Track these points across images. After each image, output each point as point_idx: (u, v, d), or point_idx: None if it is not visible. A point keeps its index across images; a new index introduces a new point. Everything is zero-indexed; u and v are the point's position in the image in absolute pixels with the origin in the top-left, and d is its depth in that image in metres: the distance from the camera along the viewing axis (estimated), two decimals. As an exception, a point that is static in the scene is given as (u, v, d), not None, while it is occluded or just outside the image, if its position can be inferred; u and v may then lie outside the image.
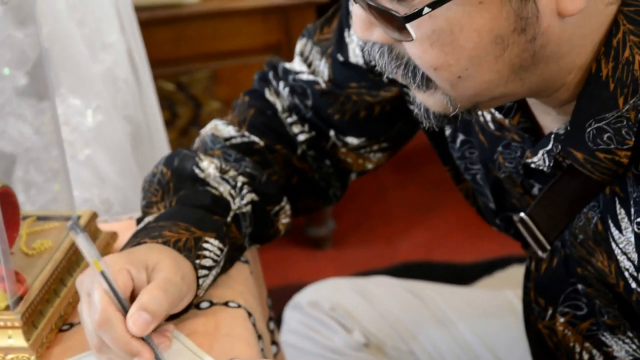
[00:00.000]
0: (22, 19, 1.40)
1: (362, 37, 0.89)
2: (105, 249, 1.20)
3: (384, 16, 0.84)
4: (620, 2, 0.87)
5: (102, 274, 0.97)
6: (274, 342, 1.22)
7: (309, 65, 1.19)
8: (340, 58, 1.16)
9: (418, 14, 0.82)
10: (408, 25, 0.83)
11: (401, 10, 0.83)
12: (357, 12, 0.88)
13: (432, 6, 0.82)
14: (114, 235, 1.22)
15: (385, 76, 0.93)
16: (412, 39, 0.84)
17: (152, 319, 0.96)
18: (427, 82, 0.89)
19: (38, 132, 1.54)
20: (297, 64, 1.20)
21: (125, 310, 0.97)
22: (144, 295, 0.97)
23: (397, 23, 0.83)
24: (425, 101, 0.92)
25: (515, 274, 1.63)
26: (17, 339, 1.05)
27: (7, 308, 1.06)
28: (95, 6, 1.65)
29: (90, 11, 1.64)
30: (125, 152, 1.69)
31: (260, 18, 2.32)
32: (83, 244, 0.97)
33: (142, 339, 0.97)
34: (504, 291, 1.46)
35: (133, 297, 0.98)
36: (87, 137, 1.62)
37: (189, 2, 2.27)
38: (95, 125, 1.64)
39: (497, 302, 1.45)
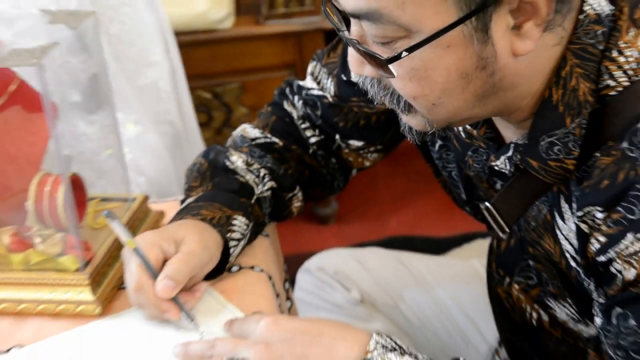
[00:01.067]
0: (82, 46, 1.38)
1: (355, 72, 0.89)
2: (155, 225, 1.20)
3: (372, 57, 0.84)
4: (566, 41, 0.86)
5: (135, 250, 0.97)
6: (289, 299, 1.22)
7: (318, 83, 1.18)
8: (344, 77, 1.15)
9: (398, 57, 0.81)
10: (390, 65, 0.82)
11: (385, 53, 0.83)
12: (351, 52, 0.88)
13: (409, 50, 0.81)
14: (161, 214, 1.23)
15: (375, 103, 0.92)
16: (394, 76, 0.83)
17: (175, 285, 0.96)
18: (408, 108, 0.89)
19: (89, 139, 1.54)
20: (308, 82, 1.20)
21: (155, 278, 0.97)
22: (168, 266, 0.97)
23: (381, 63, 0.83)
24: (408, 121, 0.92)
25: (480, 246, 1.62)
26: (86, 295, 1.06)
27: (78, 270, 1.07)
28: (143, 32, 1.64)
29: (139, 35, 1.63)
30: (161, 154, 1.68)
31: (279, 41, 2.30)
32: (117, 228, 0.98)
33: (172, 299, 0.97)
34: (471, 260, 1.46)
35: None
36: (129, 144, 1.61)
37: (223, 27, 2.26)
38: (135, 135, 1.63)
39: (466, 269, 1.44)
